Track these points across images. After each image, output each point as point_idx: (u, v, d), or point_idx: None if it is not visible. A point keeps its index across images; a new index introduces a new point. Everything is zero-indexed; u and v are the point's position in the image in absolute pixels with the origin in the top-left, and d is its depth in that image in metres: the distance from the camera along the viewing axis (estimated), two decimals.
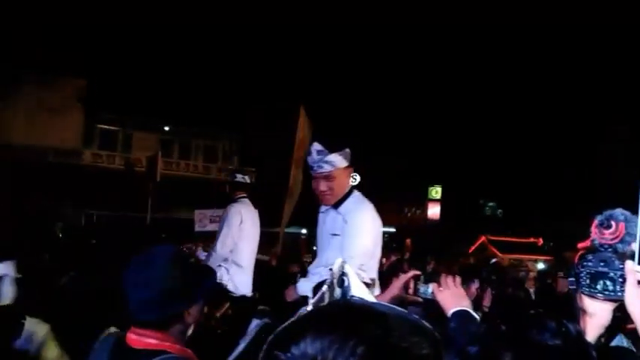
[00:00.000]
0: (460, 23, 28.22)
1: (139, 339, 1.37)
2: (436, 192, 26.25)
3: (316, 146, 2.73)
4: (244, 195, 4.66)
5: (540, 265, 14.24)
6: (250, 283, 4.39)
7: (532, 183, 28.11)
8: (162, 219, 15.60)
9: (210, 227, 11.60)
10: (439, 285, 1.72)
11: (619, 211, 1.49)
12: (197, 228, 11.34)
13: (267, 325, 2.50)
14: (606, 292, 1.41)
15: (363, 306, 0.58)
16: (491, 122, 27.45)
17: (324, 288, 0.67)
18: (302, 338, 0.53)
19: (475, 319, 1.60)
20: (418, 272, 1.93)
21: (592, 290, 1.44)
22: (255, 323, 2.63)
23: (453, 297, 1.64)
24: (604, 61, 26.09)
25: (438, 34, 27.55)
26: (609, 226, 1.43)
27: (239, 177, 4.86)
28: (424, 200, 25.72)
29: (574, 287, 1.51)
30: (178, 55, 20.69)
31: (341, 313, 0.56)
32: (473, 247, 16.28)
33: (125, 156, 18.17)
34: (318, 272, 2.66)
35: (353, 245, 2.62)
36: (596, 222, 1.48)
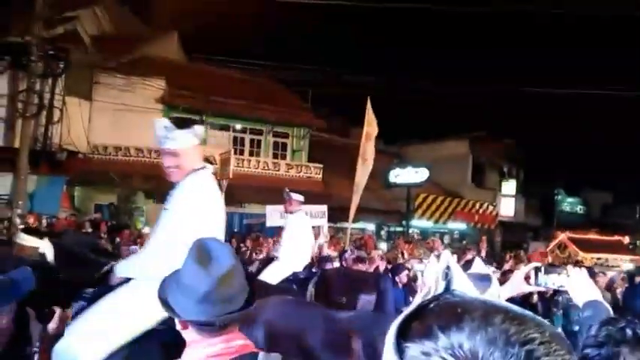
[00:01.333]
0: None
1: None
2: (509, 187, 25.14)
3: (164, 122, 2.66)
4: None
5: (627, 265, 13.25)
6: None
7: (621, 175, 26.20)
8: (233, 214, 16.17)
9: (281, 222, 11.90)
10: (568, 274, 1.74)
11: None
12: (268, 223, 11.71)
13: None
14: None
15: (503, 307, 0.55)
16: (570, 110, 25.86)
17: (432, 282, 0.67)
18: (460, 328, 0.51)
19: (607, 309, 1.61)
20: (538, 264, 1.95)
21: None
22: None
23: (583, 287, 1.65)
24: None
25: None
26: None
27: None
28: (497, 196, 24.73)
29: None
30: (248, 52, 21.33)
31: (469, 307, 0.54)
32: (551, 245, 15.45)
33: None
34: (134, 250, 2.67)
35: (171, 220, 2.61)
36: None
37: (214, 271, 1.36)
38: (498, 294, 1.67)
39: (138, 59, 17.86)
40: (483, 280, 1.65)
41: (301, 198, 6.12)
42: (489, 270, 1.96)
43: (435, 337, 0.52)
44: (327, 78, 19.86)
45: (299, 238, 5.79)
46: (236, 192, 14.46)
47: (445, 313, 0.54)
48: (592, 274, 4.97)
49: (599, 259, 13.97)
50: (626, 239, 17.55)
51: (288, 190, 6.19)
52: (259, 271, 5.52)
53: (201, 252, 1.39)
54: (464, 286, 0.66)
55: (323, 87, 20.07)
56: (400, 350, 0.54)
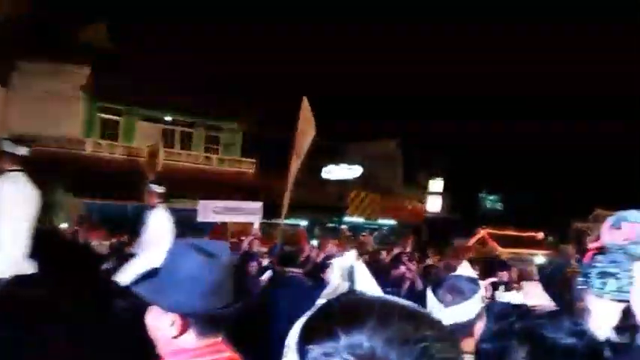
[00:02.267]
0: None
1: None
2: (437, 185, 26.25)
3: None
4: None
5: (540, 259, 14.25)
6: None
7: (537, 176, 28.13)
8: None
9: (212, 218, 11.67)
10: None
11: (632, 213, 1.49)
12: (200, 218, 11.44)
13: None
14: (614, 293, 1.43)
15: (397, 303, 0.58)
16: (493, 116, 27.40)
17: (335, 280, 0.68)
18: (358, 329, 0.52)
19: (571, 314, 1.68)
20: (495, 279, 1.96)
21: (600, 290, 1.45)
22: None
23: (539, 302, 1.76)
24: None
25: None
26: (620, 228, 1.44)
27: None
28: (425, 193, 25.73)
29: (584, 287, 1.53)
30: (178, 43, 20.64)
31: (388, 309, 0.56)
32: (473, 241, 16.30)
33: (127, 146, 18.16)
34: None
35: None
36: (607, 223, 1.49)
37: (220, 262, 1.32)
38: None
39: (62, 45, 16.77)
40: (471, 283, 1.64)
41: (162, 190, 5.71)
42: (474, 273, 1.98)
43: (337, 337, 0.53)
44: (264, 69, 19.66)
45: (158, 233, 5.41)
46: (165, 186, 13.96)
47: (346, 313, 0.55)
48: (506, 266, 5.29)
49: (515, 253, 14.90)
50: (540, 235, 18.89)
51: (149, 182, 5.85)
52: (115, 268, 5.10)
53: (201, 248, 1.34)
54: (368, 286, 0.67)
55: (258, 80, 19.85)
56: (303, 352, 0.54)
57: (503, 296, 1.81)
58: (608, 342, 0.84)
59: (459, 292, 1.56)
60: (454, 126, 26.23)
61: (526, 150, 28.39)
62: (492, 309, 1.51)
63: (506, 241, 15.92)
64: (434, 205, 25.68)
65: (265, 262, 6.04)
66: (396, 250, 7.94)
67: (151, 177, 13.06)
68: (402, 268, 7.07)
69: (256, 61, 19.77)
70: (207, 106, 19.13)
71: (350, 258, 0.68)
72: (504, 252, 14.48)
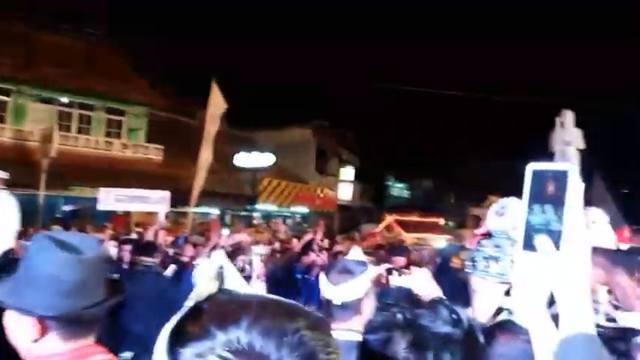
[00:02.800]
0: None
1: None
2: (348, 173, 26.93)
3: None
4: None
5: (442, 244, 15.17)
6: None
7: (439, 165, 29.86)
8: (57, 197, 14.48)
9: (115, 206, 11.00)
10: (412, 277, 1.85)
11: (513, 200, 1.61)
12: (101, 206, 10.74)
13: None
14: (497, 275, 1.53)
15: (272, 298, 0.58)
16: (401, 106, 28.57)
17: (203, 282, 0.66)
18: (234, 324, 0.53)
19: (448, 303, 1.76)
20: (390, 265, 2.08)
21: (484, 273, 1.55)
22: None
23: (427, 288, 1.74)
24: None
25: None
26: (503, 214, 1.54)
27: None
28: (336, 181, 26.29)
29: (471, 270, 1.62)
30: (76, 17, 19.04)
31: (263, 304, 0.56)
32: (380, 227, 16.96)
33: (16, 129, 16.51)
34: None
35: None
36: (491, 210, 1.60)
37: (84, 258, 1.21)
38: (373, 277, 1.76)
39: None
40: (360, 265, 1.77)
41: (4, 175, 5.35)
42: (364, 257, 2.18)
43: (212, 336, 0.53)
44: (171, 53, 18.75)
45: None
46: (61, 173, 12.93)
47: (220, 311, 0.55)
48: (407, 251, 5.54)
49: (419, 239, 15.74)
50: (442, 220, 20.12)
51: None
52: None
53: (63, 243, 1.21)
54: (237, 284, 0.68)
55: (166, 61, 18.91)
56: (173, 356, 0.53)
57: (397, 281, 1.97)
58: (482, 329, 0.88)
59: (348, 273, 1.70)
60: (364, 116, 27.00)
61: (431, 140, 30.00)
62: (378, 300, 1.60)
63: (411, 227, 16.75)
64: (345, 193, 26.34)
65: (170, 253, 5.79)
66: (307, 237, 8.03)
67: (44, 162, 12.03)
68: (312, 255, 7.18)
69: (165, 41, 18.81)
70: (109, 87, 17.90)
71: (219, 258, 0.66)
72: (409, 237, 15.24)
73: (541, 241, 0.83)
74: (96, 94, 17.93)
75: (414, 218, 18.58)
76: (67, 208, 15.44)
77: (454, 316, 0.88)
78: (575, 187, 0.82)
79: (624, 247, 3.00)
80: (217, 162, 12.83)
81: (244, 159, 19.89)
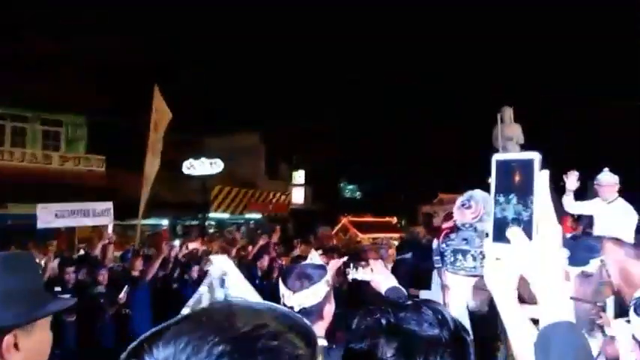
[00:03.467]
0: None
1: None
2: (299, 176, 26.90)
3: None
4: None
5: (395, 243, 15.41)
6: None
7: (389, 166, 30.39)
8: None
9: (56, 223, 10.39)
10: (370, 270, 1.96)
11: (478, 192, 1.59)
12: (40, 224, 10.09)
13: None
14: (468, 269, 1.50)
15: (238, 305, 0.55)
16: (350, 109, 28.89)
17: (202, 289, 0.59)
18: (159, 342, 0.50)
19: (404, 292, 1.82)
20: (344, 259, 2.28)
21: (455, 267, 1.52)
22: None
23: (384, 278, 1.86)
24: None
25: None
26: (470, 207, 1.51)
27: None
28: (288, 185, 26.20)
29: (439, 265, 1.59)
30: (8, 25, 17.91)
31: (210, 314, 0.54)
32: (336, 229, 17.02)
33: None
34: None
35: None
36: (457, 203, 1.57)
37: (21, 270, 1.15)
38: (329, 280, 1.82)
39: None
40: (319, 269, 1.75)
41: None
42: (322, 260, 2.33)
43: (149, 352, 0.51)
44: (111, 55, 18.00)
45: None
46: None
47: (212, 322, 0.52)
48: (364, 250, 5.55)
49: (375, 238, 15.94)
50: (394, 219, 20.47)
51: None
52: None
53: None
54: (243, 290, 0.61)
55: (104, 67, 18.12)
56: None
57: (354, 274, 2.12)
58: (463, 328, 0.86)
59: (307, 278, 1.66)
60: (313, 117, 27.03)
61: (379, 141, 30.47)
62: (401, 296, 1.59)
63: (365, 228, 16.93)
64: (298, 196, 26.28)
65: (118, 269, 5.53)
66: (261, 242, 7.97)
67: None
68: (266, 258, 7.10)
69: (101, 45, 18.00)
70: (44, 97, 16.94)
71: (222, 264, 0.58)
72: (365, 238, 15.39)
73: (513, 232, 0.81)
74: (30, 105, 16.93)
75: (368, 219, 18.80)
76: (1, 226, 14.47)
77: (439, 316, 0.83)
78: (542, 174, 0.81)
79: (567, 235, 3.14)
80: (164, 171, 12.42)
81: (193, 166, 19.42)
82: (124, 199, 12.51)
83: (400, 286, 1.84)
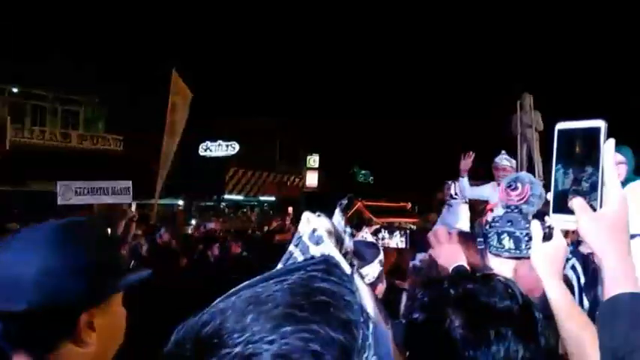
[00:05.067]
0: None
1: None
2: (314, 161, 26.87)
3: None
4: None
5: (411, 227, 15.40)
6: None
7: (401, 153, 30.24)
8: (12, 192, 13.79)
9: (75, 200, 10.53)
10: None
11: (524, 174, 1.58)
12: (60, 201, 10.23)
13: None
14: (512, 250, 1.49)
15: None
16: (366, 97, 28.70)
17: (292, 247, 0.57)
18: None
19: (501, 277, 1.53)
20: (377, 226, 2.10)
21: (499, 249, 1.51)
22: None
23: (451, 252, 1.50)
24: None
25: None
26: (516, 188, 1.50)
27: None
28: (302, 169, 26.22)
29: (482, 247, 1.58)
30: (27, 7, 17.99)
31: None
32: (350, 212, 17.03)
33: None
34: None
35: None
36: (503, 184, 1.55)
37: (89, 239, 0.95)
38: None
39: None
40: (372, 247, 1.68)
41: None
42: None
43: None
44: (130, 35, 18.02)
45: None
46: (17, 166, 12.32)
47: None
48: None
49: (390, 223, 15.92)
50: (409, 205, 20.41)
51: None
52: None
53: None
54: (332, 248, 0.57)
55: (122, 49, 18.18)
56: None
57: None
58: (532, 303, 0.84)
59: (361, 257, 1.58)
60: (330, 104, 26.95)
61: (393, 127, 30.30)
62: (419, 274, 1.53)
63: (380, 212, 16.92)
64: (311, 180, 26.31)
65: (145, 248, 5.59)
66: (275, 224, 8.03)
67: None
68: (277, 237, 7.15)
69: (120, 26, 18.04)
70: (63, 76, 17.07)
71: (306, 218, 0.56)
72: (379, 221, 15.37)
73: (577, 203, 0.77)
74: (49, 84, 17.07)
75: (383, 203, 18.78)
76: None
77: (509, 290, 0.82)
78: (608, 143, 0.77)
79: None
80: (181, 152, 12.48)
81: (209, 148, 19.51)
82: (141, 178, 12.62)
83: (467, 266, 1.55)
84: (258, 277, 0.48)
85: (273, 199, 23.29)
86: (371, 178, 35.95)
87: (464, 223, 4.91)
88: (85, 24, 17.65)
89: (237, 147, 19.49)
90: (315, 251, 0.55)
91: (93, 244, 0.93)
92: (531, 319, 0.81)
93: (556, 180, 0.81)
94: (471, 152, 4.59)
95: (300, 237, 0.57)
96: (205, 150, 19.66)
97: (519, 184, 1.51)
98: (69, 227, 0.94)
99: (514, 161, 4.82)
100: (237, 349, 0.42)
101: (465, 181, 4.59)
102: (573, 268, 2.24)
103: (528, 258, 1.23)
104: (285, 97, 25.39)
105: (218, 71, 21.53)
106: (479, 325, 0.77)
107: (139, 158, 16.18)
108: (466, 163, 4.53)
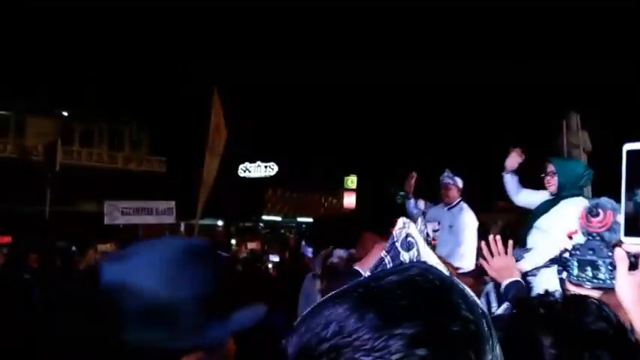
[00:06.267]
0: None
1: None
2: (352, 182, 26.80)
3: None
4: None
5: None
6: None
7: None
8: (62, 212, 14.33)
9: (121, 220, 10.83)
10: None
11: (604, 200, 1.48)
12: (107, 220, 10.54)
13: None
14: (595, 280, 1.40)
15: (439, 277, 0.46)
16: (404, 116, 28.60)
17: (383, 253, 0.55)
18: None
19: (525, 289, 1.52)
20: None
21: (580, 278, 1.42)
22: None
23: (505, 267, 1.50)
24: None
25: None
26: (597, 214, 1.41)
27: None
28: (340, 190, 26.20)
29: (562, 276, 1.49)
30: (78, 34, 19.00)
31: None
32: (387, 235, 16.84)
33: (18, 143, 16.41)
34: None
35: None
36: (584, 211, 1.46)
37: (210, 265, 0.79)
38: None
39: None
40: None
41: None
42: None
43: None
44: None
45: None
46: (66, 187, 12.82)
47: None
48: None
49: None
50: None
51: None
52: None
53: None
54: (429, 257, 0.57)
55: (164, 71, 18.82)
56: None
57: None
58: (627, 327, 0.80)
59: None
60: (366, 124, 26.99)
61: (432, 148, 29.99)
62: (508, 292, 1.46)
63: None
64: (349, 201, 26.19)
65: None
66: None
67: (48, 177, 11.89)
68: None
69: (163, 48, 18.74)
70: (109, 100, 17.83)
71: (401, 224, 0.56)
72: None
73: None
74: (97, 108, 17.82)
75: None
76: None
77: (604, 312, 0.77)
78: None
79: None
80: (221, 173, 12.71)
81: (248, 169, 19.80)
82: (182, 198, 12.89)
83: (522, 281, 1.54)
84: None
85: (311, 220, 23.32)
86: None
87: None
88: (128, 47, 18.43)
89: (275, 168, 19.69)
90: (406, 257, 0.54)
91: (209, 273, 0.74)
92: (627, 343, 0.77)
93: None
94: (414, 172, 4.62)
95: (394, 243, 0.57)
96: (245, 171, 19.96)
97: (600, 211, 1.43)
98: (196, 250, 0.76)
99: (458, 179, 4.67)
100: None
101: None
102: None
103: (612, 288, 1.16)
104: (323, 118, 25.61)
105: (260, 95, 21.91)
106: (572, 345, 0.74)
107: (182, 179, 16.60)
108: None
